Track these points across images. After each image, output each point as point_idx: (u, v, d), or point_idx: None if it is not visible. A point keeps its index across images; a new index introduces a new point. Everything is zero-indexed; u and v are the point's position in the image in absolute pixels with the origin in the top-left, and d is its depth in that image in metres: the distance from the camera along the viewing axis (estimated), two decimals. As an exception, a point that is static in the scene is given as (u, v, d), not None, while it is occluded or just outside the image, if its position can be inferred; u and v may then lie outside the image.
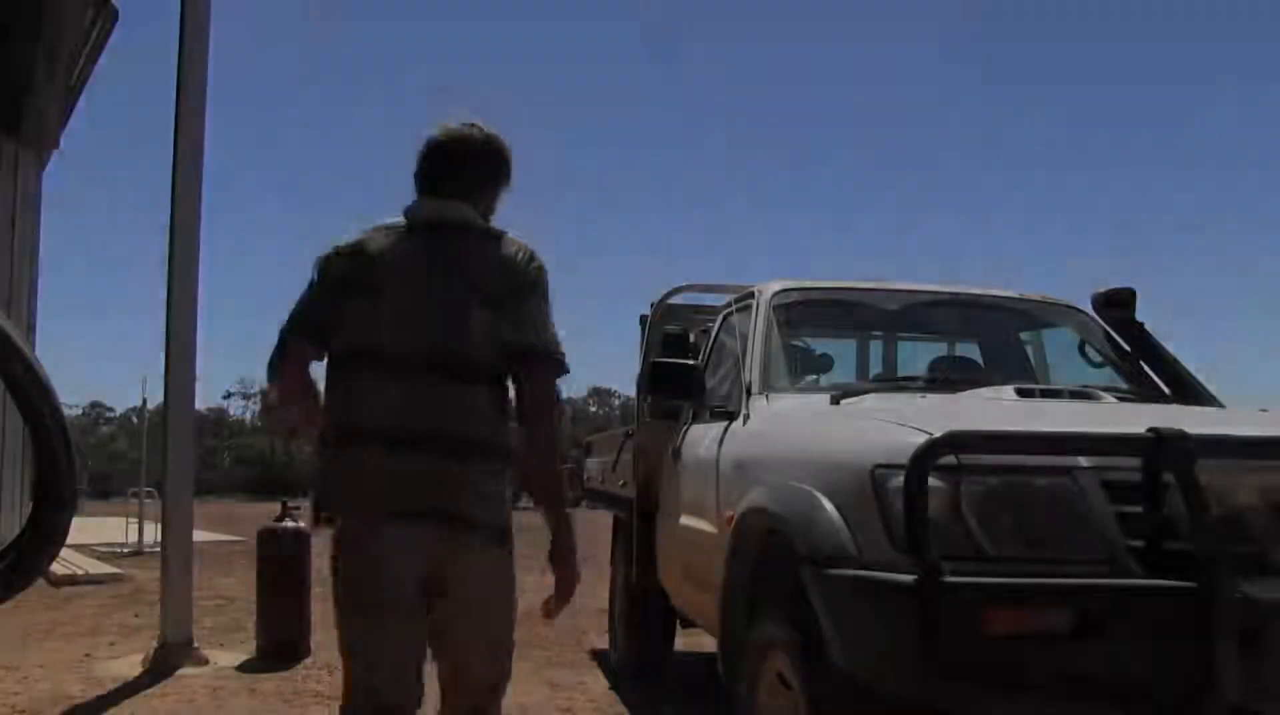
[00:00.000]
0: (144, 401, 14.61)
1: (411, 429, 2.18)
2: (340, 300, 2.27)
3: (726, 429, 3.49)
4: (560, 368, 2.29)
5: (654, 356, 4.75)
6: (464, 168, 2.36)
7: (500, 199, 2.44)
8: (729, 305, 4.30)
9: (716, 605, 3.04)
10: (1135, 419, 2.37)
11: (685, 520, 3.81)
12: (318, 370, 2.34)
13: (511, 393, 2.30)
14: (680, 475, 3.99)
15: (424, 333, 2.22)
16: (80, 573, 9.37)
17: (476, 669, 2.33)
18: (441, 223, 2.31)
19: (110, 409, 61.61)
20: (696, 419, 4.01)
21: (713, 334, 4.46)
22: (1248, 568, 2.07)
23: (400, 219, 2.34)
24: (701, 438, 3.76)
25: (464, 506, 2.19)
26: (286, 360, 2.30)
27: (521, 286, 2.26)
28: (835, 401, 3.22)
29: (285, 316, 2.33)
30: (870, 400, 3.25)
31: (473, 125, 2.39)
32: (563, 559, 2.29)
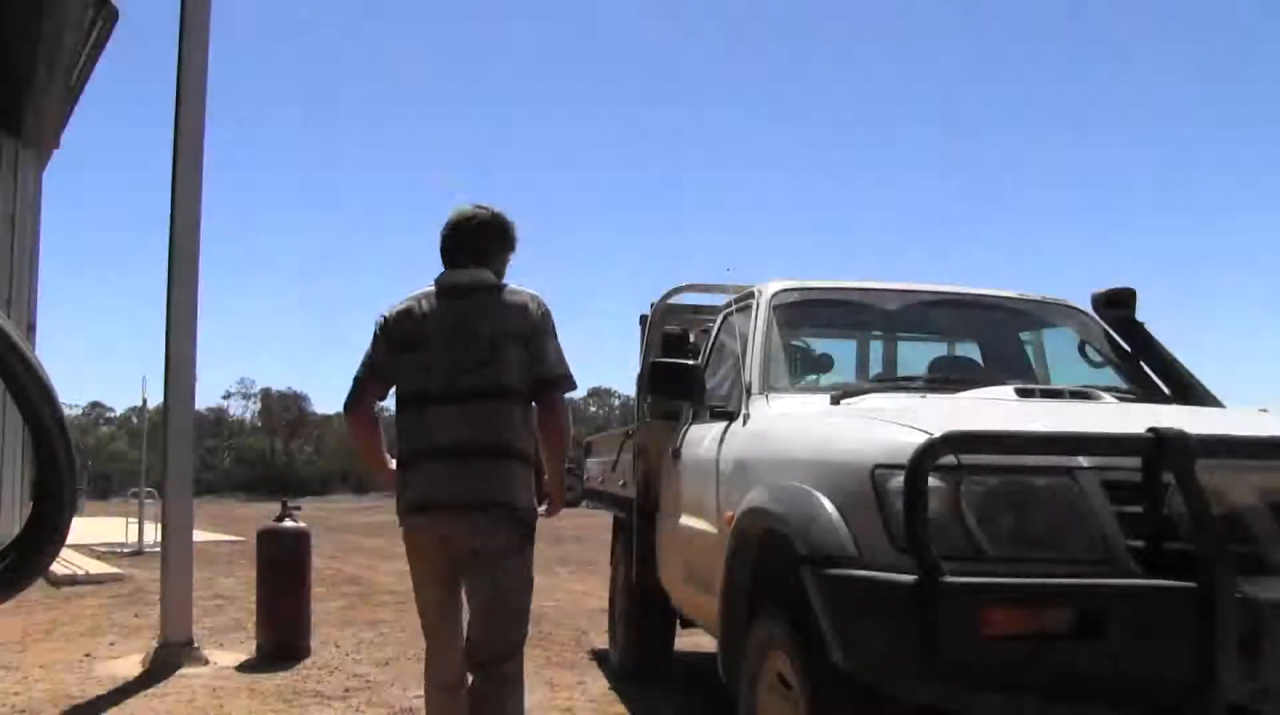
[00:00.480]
0: (144, 401, 14.58)
1: (462, 443, 2.87)
2: (397, 354, 2.98)
3: (726, 429, 3.49)
4: (570, 386, 3.02)
5: (654, 356, 4.76)
6: (476, 241, 3.03)
7: (508, 261, 3.11)
8: (729, 305, 4.29)
9: (716, 605, 3.04)
10: (1135, 419, 2.37)
11: (685, 520, 3.81)
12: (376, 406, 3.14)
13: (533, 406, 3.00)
14: (680, 475, 3.99)
15: (462, 371, 2.89)
16: (80, 573, 9.37)
17: (504, 627, 2.93)
18: (465, 286, 2.99)
19: (110, 409, 61.68)
20: (696, 419, 4.01)
21: (713, 334, 4.46)
22: (1248, 568, 2.07)
23: (432, 287, 3.04)
24: (701, 438, 3.76)
25: (502, 495, 2.89)
26: (359, 400, 3.05)
27: (537, 327, 2.95)
28: (835, 401, 3.22)
29: (358, 366, 3.05)
30: (870, 400, 3.25)
31: (480, 207, 3.08)
32: (554, 490, 3.13)
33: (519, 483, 2.92)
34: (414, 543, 3.01)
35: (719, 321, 4.42)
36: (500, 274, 3.06)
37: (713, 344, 4.40)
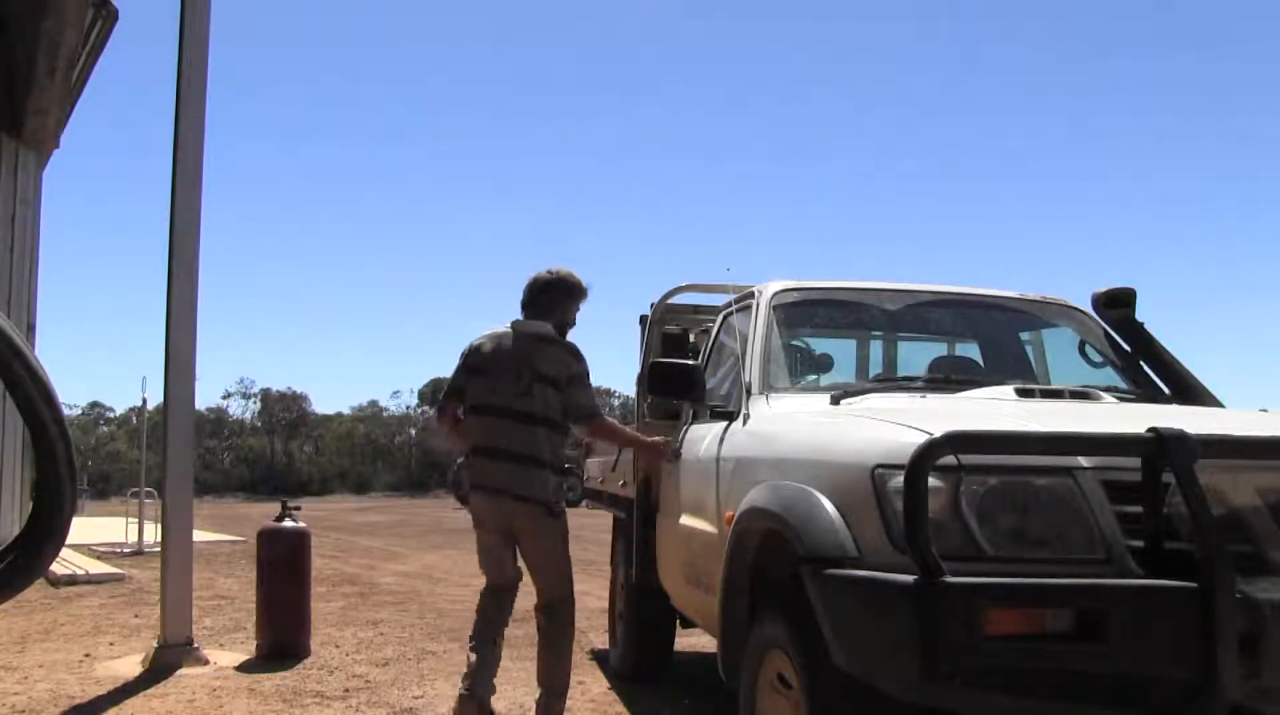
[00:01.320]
0: (144, 401, 14.55)
1: (505, 449, 3.93)
2: (470, 376, 4.06)
3: (726, 429, 3.49)
4: (597, 418, 4.07)
5: (654, 356, 4.76)
6: (540, 298, 4.06)
7: (577, 307, 4.11)
8: (729, 305, 4.29)
9: (716, 605, 3.04)
10: (1135, 419, 2.37)
11: (685, 520, 3.82)
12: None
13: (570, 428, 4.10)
14: (680, 475, 3.99)
15: (510, 397, 3.93)
16: (80, 573, 9.37)
17: (548, 582, 4.01)
18: (526, 335, 4.00)
19: (110, 409, 61.53)
20: (696, 419, 4.02)
21: (713, 334, 4.46)
22: (1248, 568, 2.07)
23: (508, 328, 4.06)
24: (701, 438, 3.76)
25: (529, 490, 3.91)
26: (445, 411, 4.14)
27: (573, 376, 3.95)
28: (835, 401, 3.22)
29: (446, 386, 4.20)
30: (870, 400, 3.25)
31: (550, 271, 4.08)
32: (636, 444, 4.26)
33: (539, 480, 3.89)
34: (473, 511, 4.07)
35: (719, 321, 4.43)
36: (567, 319, 4.07)
37: (713, 344, 4.41)
